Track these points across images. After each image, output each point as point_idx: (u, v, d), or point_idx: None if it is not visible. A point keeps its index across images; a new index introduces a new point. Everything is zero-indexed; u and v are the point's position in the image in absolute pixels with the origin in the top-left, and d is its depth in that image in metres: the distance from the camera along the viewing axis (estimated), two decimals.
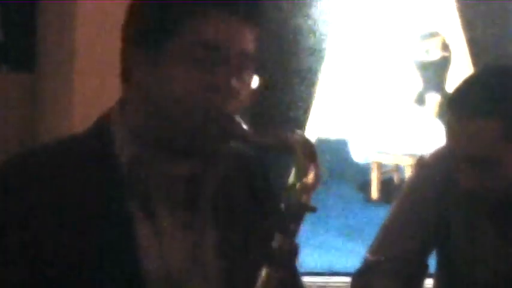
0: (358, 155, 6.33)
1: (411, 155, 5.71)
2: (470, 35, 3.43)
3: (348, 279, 2.04)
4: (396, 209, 2.04)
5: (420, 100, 6.10)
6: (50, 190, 1.31)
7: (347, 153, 6.36)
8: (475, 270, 1.92)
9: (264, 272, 1.24)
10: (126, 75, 1.35)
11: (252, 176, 1.50)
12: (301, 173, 1.26)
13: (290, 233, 1.25)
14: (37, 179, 1.32)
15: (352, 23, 5.90)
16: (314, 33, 3.34)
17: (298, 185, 1.26)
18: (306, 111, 3.41)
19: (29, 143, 3.17)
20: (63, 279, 1.29)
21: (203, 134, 1.31)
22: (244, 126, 1.30)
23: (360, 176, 6.48)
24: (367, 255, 2.01)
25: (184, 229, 1.37)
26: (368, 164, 6.31)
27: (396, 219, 2.02)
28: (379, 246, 2.00)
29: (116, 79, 1.39)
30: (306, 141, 1.28)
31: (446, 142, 1.86)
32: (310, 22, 3.33)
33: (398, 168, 6.32)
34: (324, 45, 3.38)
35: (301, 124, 3.33)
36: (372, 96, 6.43)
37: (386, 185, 6.23)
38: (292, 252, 1.27)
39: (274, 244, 1.24)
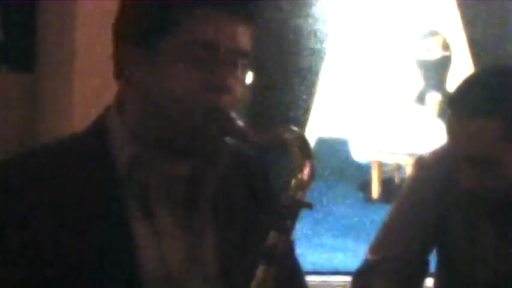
0: (359, 155, 6.32)
1: (412, 155, 5.69)
2: (471, 34, 3.44)
3: (348, 278, 2.04)
4: (396, 208, 2.04)
5: (421, 99, 6.10)
6: (49, 190, 1.31)
7: (347, 152, 6.36)
8: (475, 270, 1.92)
9: (260, 270, 1.24)
10: (120, 74, 1.35)
11: (252, 175, 1.50)
12: (297, 170, 1.26)
13: (285, 230, 1.25)
14: (37, 179, 1.32)
15: (352, 23, 5.90)
16: (314, 33, 3.35)
17: (293, 182, 1.26)
18: (306, 111, 3.41)
19: (29, 143, 3.17)
20: (63, 279, 1.29)
21: (203, 134, 1.31)
22: (242, 125, 1.30)
23: (360, 176, 6.48)
24: (367, 254, 2.01)
25: (184, 229, 1.37)
26: (368, 164, 6.30)
27: (396, 219, 2.02)
28: (379, 246, 2.00)
29: None
30: (301, 138, 1.28)
31: (447, 142, 1.87)
32: (310, 22, 3.33)
33: (399, 168, 6.31)
34: (324, 45, 3.38)
35: (301, 124, 3.33)
36: (372, 96, 6.43)
37: (387, 184, 6.23)
38: (288, 249, 1.27)
39: (270, 241, 1.24)
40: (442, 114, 5.73)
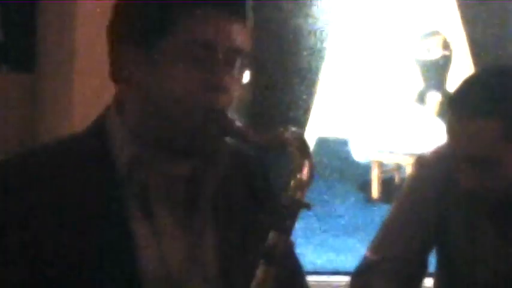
0: (359, 154, 6.32)
1: (412, 154, 5.69)
2: (471, 34, 3.44)
3: (348, 278, 2.04)
4: (396, 208, 2.04)
5: (421, 99, 6.10)
6: (49, 190, 1.31)
7: (347, 152, 6.36)
8: (475, 270, 1.92)
9: (260, 270, 1.24)
10: (117, 75, 1.35)
11: (252, 175, 1.50)
12: (295, 170, 1.26)
13: (285, 230, 1.26)
14: (37, 179, 1.32)
15: (353, 23, 5.90)
16: (314, 33, 3.35)
17: (292, 182, 1.26)
18: (306, 111, 3.41)
19: (29, 143, 3.17)
20: (63, 279, 1.29)
21: (203, 134, 1.31)
22: (241, 125, 1.30)
23: (360, 176, 6.48)
24: (367, 254, 2.01)
25: (184, 229, 1.37)
26: (368, 163, 6.30)
27: (396, 218, 2.02)
28: (379, 246, 2.00)
29: None
30: (299, 138, 1.28)
31: (447, 142, 1.87)
32: (310, 22, 3.33)
33: (399, 168, 6.31)
34: (324, 45, 3.38)
35: (301, 124, 3.33)
36: (372, 96, 6.43)
37: (387, 184, 6.23)
38: (288, 249, 1.27)
39: (270, 241, 1.24)
40: (442, 114, 5.74)
